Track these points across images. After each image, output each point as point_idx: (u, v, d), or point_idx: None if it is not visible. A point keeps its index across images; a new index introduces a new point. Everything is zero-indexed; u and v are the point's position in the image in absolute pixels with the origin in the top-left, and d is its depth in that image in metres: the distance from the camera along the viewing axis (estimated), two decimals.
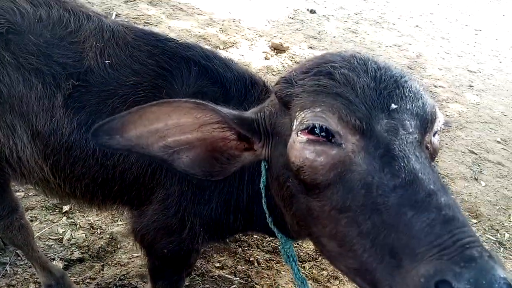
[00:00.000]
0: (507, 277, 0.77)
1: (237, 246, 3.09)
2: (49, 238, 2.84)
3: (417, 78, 6.74)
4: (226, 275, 2.85)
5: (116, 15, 5.96)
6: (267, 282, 2.87)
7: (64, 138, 1.61)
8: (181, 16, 6.51)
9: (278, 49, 6.14)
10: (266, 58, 5.89)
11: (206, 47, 5.34)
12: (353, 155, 0.98)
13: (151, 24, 5.99)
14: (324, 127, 0.99)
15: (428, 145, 1.07)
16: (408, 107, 1.02)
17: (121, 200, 1.80)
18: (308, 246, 3.25)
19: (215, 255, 2.98)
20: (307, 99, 1.04)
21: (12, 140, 1.62)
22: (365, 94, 1.01)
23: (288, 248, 1.51)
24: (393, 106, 1.00)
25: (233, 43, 6.09)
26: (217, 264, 2.92)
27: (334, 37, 7.38)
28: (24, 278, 2.51)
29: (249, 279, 2.86)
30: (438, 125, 1.10)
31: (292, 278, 2.95)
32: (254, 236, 3.23)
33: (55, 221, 2.95)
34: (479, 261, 0.77)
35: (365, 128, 0.97)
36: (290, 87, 1.10)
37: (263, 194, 1.34)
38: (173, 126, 1.15)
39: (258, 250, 3.13)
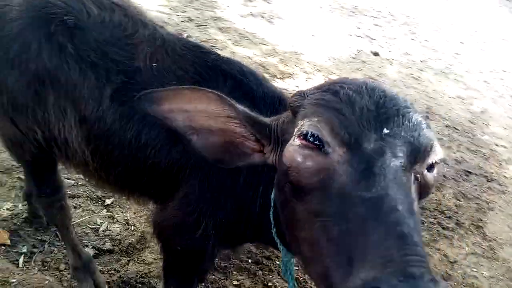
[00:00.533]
0: None
1: (258, 269, 3.11)
2: (87, 226, 3.06)
3: (477, 133, 6.46)
4: None
5: (187, 36, 6.42)
6: None
7: (106, 126, 1.79)
8: (246, 44, 6.84)
9: None
10: None
11: (265, 74, 5.57)
12: (337, 165, 1.04)
13: (217, 48, 6.35)
14: (316, 135, 1.07)
15: (418, 175, 1.09)
16: (402, 134, 1.06)
17: (148, 192, 1.94)
18: None
19: (234, 272, 3.03)
20: (309, 110, 1.13)
21: (61, 123, 1.83)
22: (362, 114, 1.08)
23: (287, 261, 1.56)
24: (385, 130, 1.05)
25: (291, 74, 6.27)
26: (235, 282, 2.96)
27: (395, 81, 7.32)
28: (58, 258, 2.72)
29: None
30: (434, 158, 1.12)
31: None
32: (277, 261, 3.23)
33: (96, 211, 3.17)
34: (418, 280, 0.80)
35: (353, 143, 1.04)
36: (301, 99, 1.19)
37: (272, 204, 1.40)
38: (200, 111, 1.29)
39: (278, 277, 3.12)
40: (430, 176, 1.13)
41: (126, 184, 1.98)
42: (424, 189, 1.12)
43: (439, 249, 3.76)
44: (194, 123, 1.30)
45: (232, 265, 3.07)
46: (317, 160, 1.06)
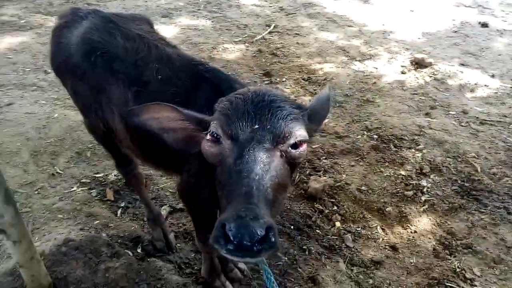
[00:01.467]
0: (256, 235, 1.27)
1: (298, 234, 3.59)
2: (168, 190, 3.95)
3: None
4: (277, 253, 3.40)
5: (274, 26, 6.95)
6: (309, 269, 3.30)
7: None
8: (332, 28, 7.05)
9: (419, 64, 6.05)
10: (402, 73, 5.91)
11: (343, 57, 5.78)
12: (226, 151, 1.63)
13: (301, 35, 6.75)
14: (214, 133, 1.65)
15: (283, 153, 1.60)
16: (268, 127, 1.60)
17: (169, 167, 2.60)
18: (364, 255, 3.48)
19: None
20: (215, 114, 1.72)
21: (111, 118, 2.57)
22: (243, 116, 1.62)
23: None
24: (255, 126, 1.60)
25: (372, 55, 6.30)
26: None
27: (500, 55, 6.65)
28: (143, 212, 3.66)
29: (295, 263, 3.34)
30: (294, 140, 1.61)
31: (333, 275, 3.29)
32: (317, 230, 3.65)
33: (174, 179, 4.04)
34: (243, 219, 1.31)
35: (234, 136, 1.60)
36: (217, 106, 1.76)
37: None
38: (165, 117, 1.85)
39: (316, 243, 3.55)
40: (294, 152, 1.63)
41: (155, 162, 2.67)
42: (293, 160, 1.63)
43: (496, 233, 3.64)
44: (163, 125, 1.83)
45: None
46: (215, 148, 1.65)
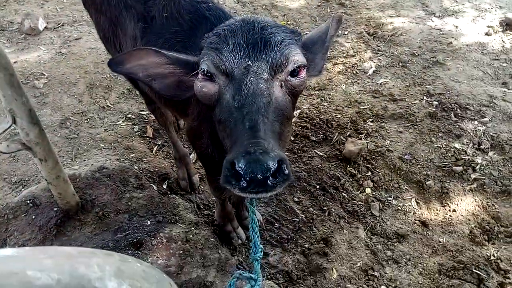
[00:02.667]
0: (268, 168, 1.23)
1: (321, 194, 3.49)
2: None
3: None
4: (296, 209, 3.36)
5: None
6: (325, 230, 3.22)
7: None
8: None
9: (510, 25, 5.19)
10: (486, 34, 5.14)
11: (420, 12, 5.16)
12: (222, 88, 1.53)
13: None
14: (207, 70, 1.54)
15: (283, 82, 1.54)
16: (263, 56, 1.48)
17: (177, 109, 2.60)
18: (389, 226, 3.29)
19: (298, 192, 3.51)
20: (204, 51, 1.59)
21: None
22: (234, 48, 1.50)
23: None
24: (250, 57, 1.48)
25: (456, 12, 5.54)
26: (296, 199, 3.46)
27: None
28: (169, 151, 3.82)
29: (312, 222, 3.28)
30: (292, 66, 1.52)
31: (348, 240, 3.18)
32: (343, 193, 3.51)
33: None
34: (252, 154, 1.24)
35: (228, 72, 1.49)
36: (203, 42, 1.63)
37: None
38: (150, 62, 1.75)
39: (339, 206, 3.43)
40: (294, 81, 1.55)
41: (170, 107, 2.70)
42: (294, 89, 1.56)
43: None
44: (149, 72, 1.72)
45: (298, 185, 3.55)
46: (209, 87, 1.56)
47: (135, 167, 3.54)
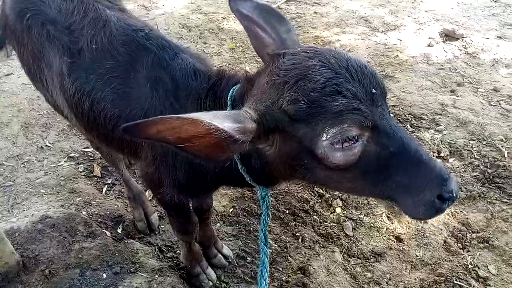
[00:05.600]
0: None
1: (292, 220, 3.29)
2: None
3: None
4: (268, 239, 3.13)
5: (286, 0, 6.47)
6: (300, 258, 3.01)
7: (71, 97, 2.10)
8: None
9: (449, 36, 5.44)
10: (429, 45, 5.34)
11: (365, 28, 5.27)
12: (368, 144, 1.40)
13: (319, 4, 6.24)
14: (352, 135, 1.36)
15: None
16: (379, 93, 1.41)
17: (124, 151, 2.24)
18: (365, 245, 3.15)
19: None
20: (333, 118, 1.34)
21: (53, 90, 2.27)
22: (363, 98, 1.36)
23: (265, 194, 1.85)
24: (375, 96, 1.39)
25: (397, 26, 5.73)
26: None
27: None
28: (121, 190, 3.47)
29: (286, 251, 3.06)
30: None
31: (326, 265, 2.99)
32: (314, 216, 3.34)
33: None
34: (450, 179, 1.38)
35: (372, 124, 1.37)
36: (308, 108, 1.36)
37: (239, 162, 1.72)
38: (184, 130, 1.31)
39: (311, 229, 3.25)
40: None
41: (107, 144, 2.28)
42: None
43: None
44: (182, 134, 1.32)
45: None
46: (356, 150, 1.38)
47: (83, 212, 3.15)
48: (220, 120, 1.32)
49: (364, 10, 6.11)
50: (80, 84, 2.05)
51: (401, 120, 4.22)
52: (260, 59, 1.84)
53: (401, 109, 4.35)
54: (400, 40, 5.44)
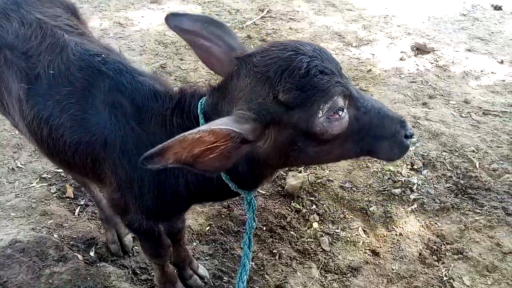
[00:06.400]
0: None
1: (269, 237, 3.28)
2: None
3: None
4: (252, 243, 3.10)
5: (267, 11, 6.56)
6: (278, 276, 2.99)
7: (30, 124, 2.05)
8: (329, 12, 6.62)
9: (420, 49, 5.59)
10: (401, 59, 5.48)
11: (339, 44, 5.36)
12: (349, 109, 1.60)
13: (295, 20, 6.35)
14: (341, 105, 1.54)
15: None
16: (339, 68, 1.63)
17: (88, 177, 2.19)
18: (341, 260, 3.16)
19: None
20: (325, 95, 1.50)
21: (14, 114, 2.21)
22: (337, 73, 1.57)
23: (251, 198, 1.91)
24: (342, 73, 1.62)
25: (370, 41, 5.87)
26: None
27: (511, 39, 6.11)
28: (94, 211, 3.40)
29: (263, 268, 3.04)
30: None
31: (303, 282, 2.98)
32: (291, 232, 3.34)
33: None
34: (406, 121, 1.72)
35: (349, 93, 1.58)
36: (303, 93, 1.50)
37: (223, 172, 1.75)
38: (200, 144, 1.38)
39: (288, 246, 3.24)
40: None
41: (69, 169, 2.25)
42: None
43: (492, 237, 3.25)
44: (196, 150, 1.38)
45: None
46: (346, 117, 1.58)
47: (55, 235, 3.08)
48: (235, 125, 1.43)
49: (338, 26, 6.23)
50: (38, 110, 2.00)
51: None
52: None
53: None
54: (373, 55, 5.57)
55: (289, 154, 1.63)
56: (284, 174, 3.81)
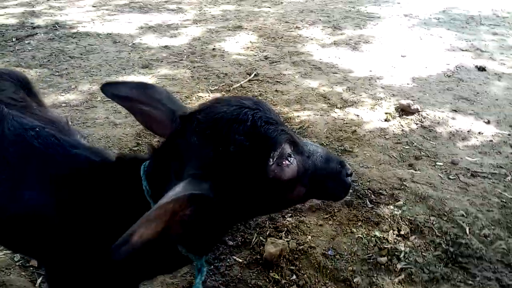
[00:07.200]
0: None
1: None
2: None
3: None
4: None
5: (255, 74, 6.70)
6: None
7: None
8: (315, 76, 6.75)
9: (404, 110, 5.60)
10: (386, 120, 5.46)
11: (323, 105, 5.38)
12: (296, 155, 1.67)
13: (281, 83, 6.45)
14: (289, 152, 1.63)
15: None
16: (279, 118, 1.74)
17: (31, 255, 2.07)
18: None
19: None
20: (273, 143, 1.57)
21: None
22: (280, 122, 1.66)
23: (201, 265, 1.83)
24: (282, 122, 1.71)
25: (355, 102, 5.90)
26: None
27: (497, 99, 6.15)
28: None
29: None
30: None
31: None
32: None
33: None
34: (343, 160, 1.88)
35: (292, 140, 1.67)
36: (252, 144, 1.53)
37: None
38: (162, 219, 1.34)
39: None
40: None
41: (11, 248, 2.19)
42: None
43: None
44: (157, 227, 1.32)
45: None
46: (295, 161, 1.66)
47: None
48: (194, 187, 1.41)
49: (323, 88, 6.31)
50: None
51: (360, 195, 4.13)
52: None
53: (359, 184, 4.28)
54: (358, 116, 5.56)
55: (245, 206, 1.65)
56: (264, 240, 3.60)
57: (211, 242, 1.87)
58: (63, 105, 5.67)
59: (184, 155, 1.55)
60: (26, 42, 7.78)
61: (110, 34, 8.64)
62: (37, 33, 8.32)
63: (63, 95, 5.97)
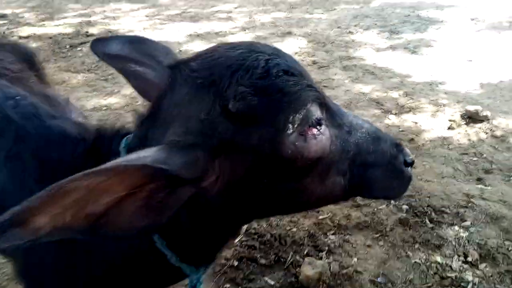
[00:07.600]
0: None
1: None
2: None
3: None
4: None
5: None
6: None
7: None
8: (368, 80, 6.20)
9: (472, 117, 4.89)
10: (449, 128, 4.79)
11: (376, 111, 4.86)
12: (328, 125, 1.22)
13: (328, 87, 5.98)
14: (317, 117, 1.15)
15: None
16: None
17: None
18: None
19: None
20: (294, 101, 1.10)
21: None
22: (305, 75, 1.21)
23: (197, 281, 1.42)
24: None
25: (413, 108, 5.28)
26: None
27: None
28: None
29: None
30: None
31: None
32: None
33: None
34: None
35: (324, 102, 1.23)
36: (261, 100, 1.06)
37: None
38: (96, 193, 0.91)
39: None
40: None
41: None
42: None
43: None
44: (96, 204, 0.91)
45: None
46: (326, 133, 1.19)
47: None
48: (157, 157, 0.96)
49: (376, 93, 5.76)
50: None
51: (417, 213, 3.55)
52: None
53: (417, 199, 3.69)
54: (416, 123, 4.94)
55: (252, 198, 1.17)
56: (300, 260, 3.15)
57: (210, 247, 1.40)
58: (104, 108, 5.63)
59: (169, 116, 1.13)
60: (78, 49, 7.98)
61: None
62: (89, 41, 8.55)
63: (105, 99, 5.94)
